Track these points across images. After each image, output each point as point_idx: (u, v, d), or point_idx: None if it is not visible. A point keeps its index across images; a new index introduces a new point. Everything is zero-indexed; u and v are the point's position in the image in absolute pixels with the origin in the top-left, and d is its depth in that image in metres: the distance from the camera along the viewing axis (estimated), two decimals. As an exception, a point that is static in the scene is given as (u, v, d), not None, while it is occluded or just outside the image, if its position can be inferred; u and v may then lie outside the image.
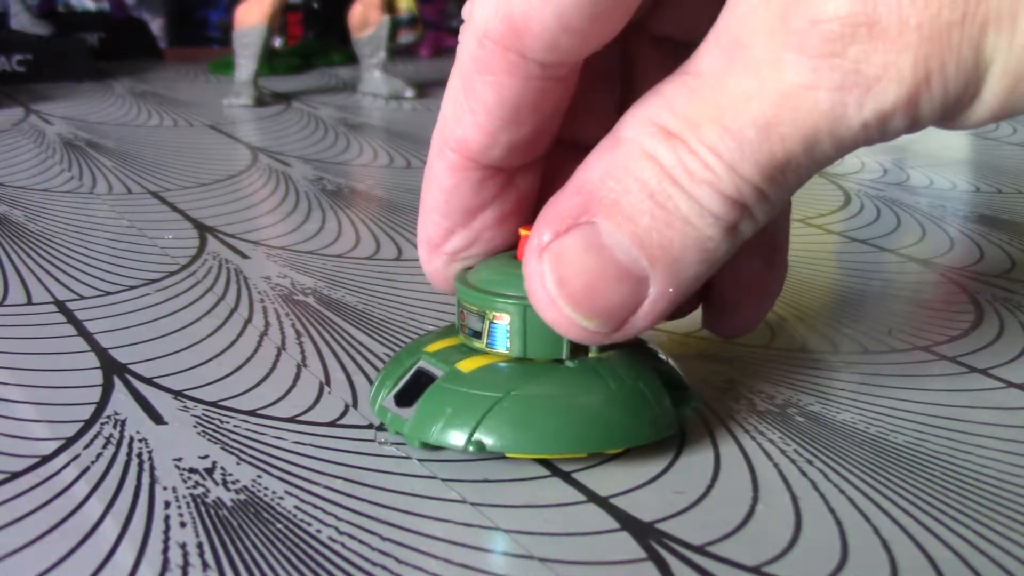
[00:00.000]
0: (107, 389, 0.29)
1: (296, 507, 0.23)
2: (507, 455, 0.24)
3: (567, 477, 0.24)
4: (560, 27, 0.20)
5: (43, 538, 0.21)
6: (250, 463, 0.25)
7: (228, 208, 0.52)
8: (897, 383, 0.31)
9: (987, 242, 0.48)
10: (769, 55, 0.18)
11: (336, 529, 0.22)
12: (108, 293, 0.37)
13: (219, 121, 0.81)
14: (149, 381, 0.29)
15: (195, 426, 0.26)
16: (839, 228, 0.51)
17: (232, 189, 0.57)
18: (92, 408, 0.27)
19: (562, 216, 0.21)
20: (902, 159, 0.69)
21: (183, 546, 0.21)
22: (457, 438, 0.24)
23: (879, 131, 0.19)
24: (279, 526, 0.22)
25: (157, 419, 0.27)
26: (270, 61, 1.10)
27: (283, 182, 0.59)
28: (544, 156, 0.25)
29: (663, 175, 0.20)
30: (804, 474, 0.25)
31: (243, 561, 0.20)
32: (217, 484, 0.23)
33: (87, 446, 0.25)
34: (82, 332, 0.33)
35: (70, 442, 0.25)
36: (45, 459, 0.24)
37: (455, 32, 0.31)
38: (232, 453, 0.25)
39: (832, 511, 0.23)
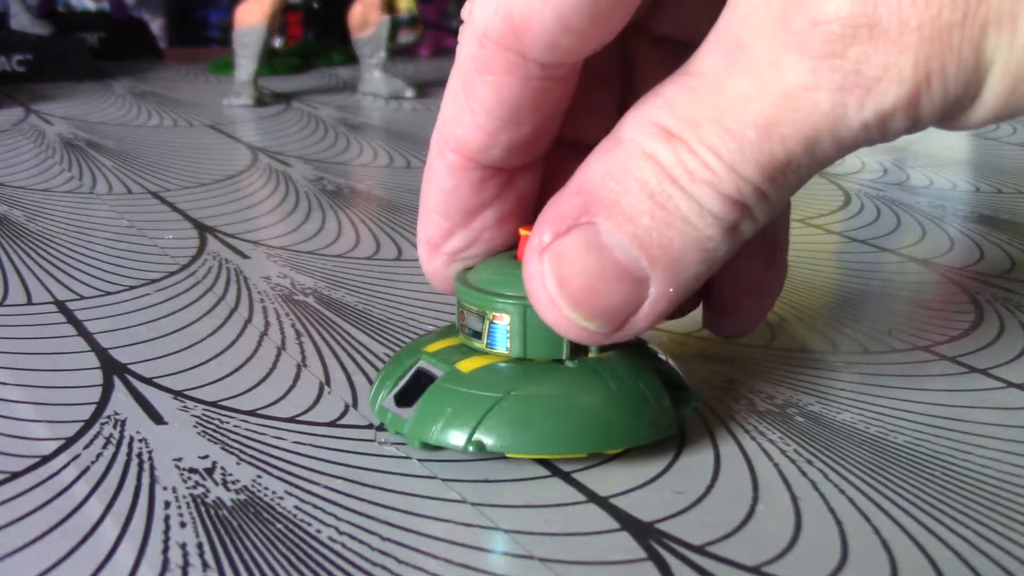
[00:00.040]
0: (107, 389, 0.29)
1: (296, 507, 0.23)
2: (507, 455, 0.24)
3: (567, 477, 0.24)
4: (560, 27, 0.20)
5: (43, 538, 0.21)
6: (250, 463, 0.25)
7: (228, 208, 0.52)
8: (897, 383, 0.31)
9: (987, 242, 0.48)
10: (770, 56, 0.18)
11: (336, 529, 0.22)
12: (108, 293, 0.37)
13: (219, 121, 0.81)
14: (149, 381, 0.29)
15: (195, 426, 0.26)
16: (839, 228, 0.51)
17: (232, 189, 0.57)
18: (92, 408, 0.27)
19: (562, 216, 0.21)
20: (902, 159, 0.69)
21: (183, 546, 0.21)
22: (457, 438, 0.24)
23: (879, 132, 0.19)
24: (279, 526, 0.22)
25: (157, 419, 0.27)
26: (270, 61, 1.10)
27: (283, 182, 0.59)
28: (544, 156, 0.25)
29: (663, 175, 0.20)
30: (804, 474, 0.25)
31: (243, 561, 0.20)
32: (217, 484, 0.23)
33: (87, 446, 0.25)
34: (82, 332, 0.33)
35: (70, 442, 0.25)
36: (45, 459, 0.24)
37: (455, 32, 0.31)
38: (232, 453, 0.25)
39: (832, 511, 0.23)
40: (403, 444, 0.25)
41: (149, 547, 0.21)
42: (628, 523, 0.22)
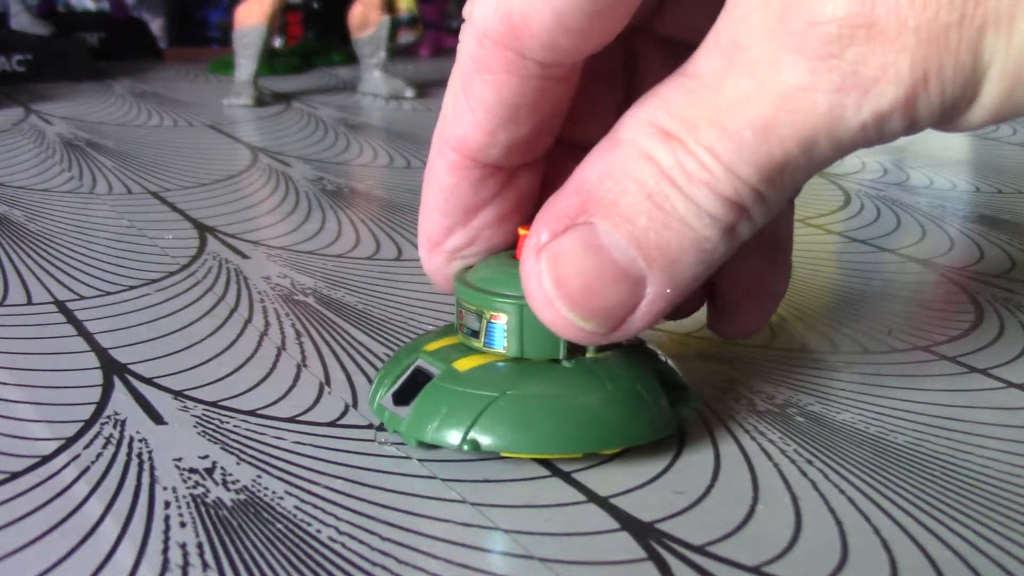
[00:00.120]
0: (107, 389, 0.29)
1: (296, 507, 0.23)
2: (502, 455, 0.24)
3: (567, 477, 0.24)
4: (559, 27, 0.20)
5: (43, 538, 0.21)
6: (250, 463, 0.25)
7: (228, 208, 0.52)
8: (897, 383, 0.31)
9: (987, 242, 0.48)
10: (768, 57, 0.18)
11: (336, 529, 0.22)
12: (108, 293, 0.37)
13: (219, 121, 0.81)
14: (149, 381, 0.29)
15: (195, 426, 0.26)
16: (839, 228, 0.51)
17: (232, 189, 0.57)
18: (92, 408, 0.27)
19: (560, 216, 0.21)
20: (902, 159, 0.69)
21: (183, 546, 0.21)
22: (452, 437, 0.24)
23: (877, 133, 0.19)
24: (279, 526, 0.22)
25: (157, 419, 0.27)
26: (270, 61, 1.10)
27: (283, 182, 0.59)
28: (545, 156, 0.25)
29: (661, 176, 0.20)
30: (804, 474, 0.25)
31: (243, 561, 0.20)
32: (217, 484, 0.23)
33: (87, 446, 0.25)
34: (82, 332, 0.33)
35: (70, 442, 0.25)
36: (45, 459, 0.24)
37: (455, 32, 0.31)
38: (232, 453, 0.25)
39: (832, 511, 0.23)
40: (403, 444, 0.25)
41: (149, 547, 0.21)
42: (628, 523, 0.22)
